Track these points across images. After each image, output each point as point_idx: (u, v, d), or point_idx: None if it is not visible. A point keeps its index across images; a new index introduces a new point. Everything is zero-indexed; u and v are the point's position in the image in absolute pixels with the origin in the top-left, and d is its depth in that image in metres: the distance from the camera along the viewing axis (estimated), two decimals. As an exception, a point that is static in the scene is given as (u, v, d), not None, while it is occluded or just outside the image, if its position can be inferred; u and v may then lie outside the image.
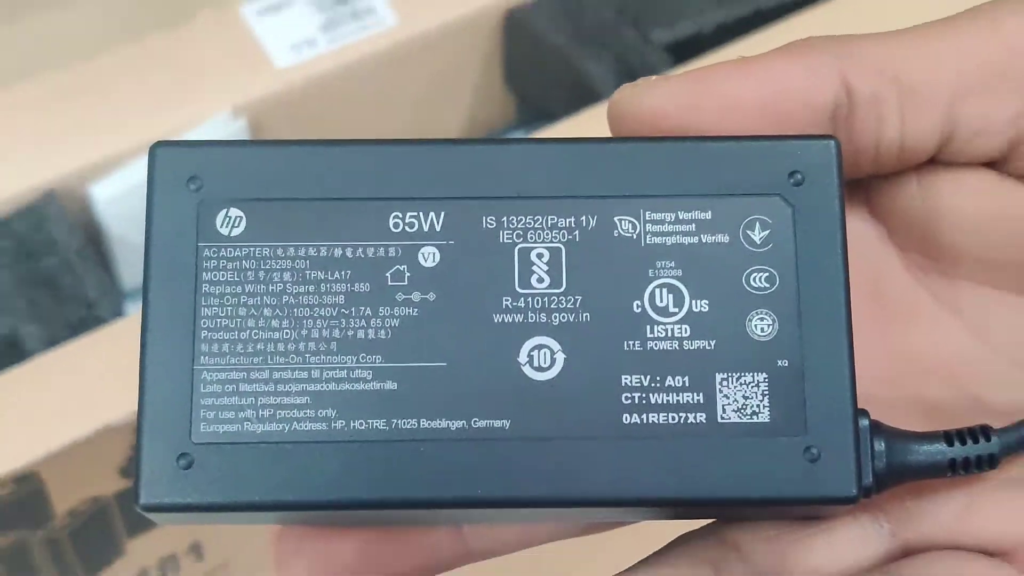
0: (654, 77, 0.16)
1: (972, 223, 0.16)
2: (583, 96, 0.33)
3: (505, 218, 0.15)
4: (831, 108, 0.15)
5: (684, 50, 0.34)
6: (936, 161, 0.16)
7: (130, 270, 0.33)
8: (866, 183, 0.17)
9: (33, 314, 0.30)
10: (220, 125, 0.31)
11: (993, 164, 0.16)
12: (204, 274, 0.15)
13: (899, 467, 0.15)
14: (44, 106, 0.31)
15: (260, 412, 0.14)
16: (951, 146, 0.16)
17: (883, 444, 0.15)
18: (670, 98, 0.15)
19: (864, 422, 0.15)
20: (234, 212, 0.14)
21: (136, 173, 0.30)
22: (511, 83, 0.37)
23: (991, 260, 0.17)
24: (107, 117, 0.31)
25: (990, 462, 0.15)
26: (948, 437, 0.15)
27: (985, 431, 0.15)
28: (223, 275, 0.14)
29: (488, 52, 0.36)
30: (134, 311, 0.31)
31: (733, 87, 0.15)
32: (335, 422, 0.14)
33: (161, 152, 0.14)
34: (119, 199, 0.31)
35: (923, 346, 0.17)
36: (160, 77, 0.31)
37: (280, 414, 0.14)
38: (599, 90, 0.33)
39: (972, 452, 0.15)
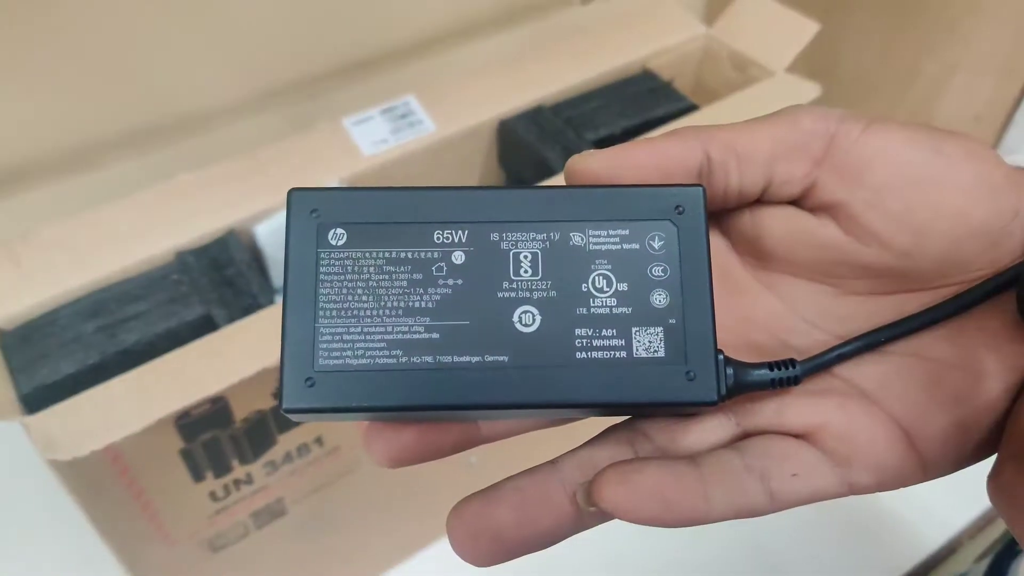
0: (592, 151, 0.20)
1: (780, 237, 0.21)
2: (544, 172, 0.42)
3: (505, 233, 0.19)
4: (697, 168, 0.20)
5: (604, 144, 0.36)
6: (760, 200, 0.21)
7: (279, 275, 0.40)
8: (719, 214, 0.22)
9: (221, 302, 0.36)
10: None
11: (794, 202, 0.21)
12: (321, 268, 0.19)
13: (740, 384, 0.20)
14: (228, 181, 0.39)
15: (355, 352, 0.19)
16: (769, 190, 0.21)
17: (731, 370, 0.19)
18: (601, 162, 0.20)
19: (720, 357, 0.19)
20: (339, 231, 0.19)
21: (280, 218, 0.39)
22: (502, 164, 0.46)
23: (792, 259, 0.21)
24: (264, 186, 0.39)
25: (795, 381, 0.20)
26: (769, 365, 0.20)
27: (791, 362, 0.20)
28: (332, 269, 0.19)
29: (488, 145, 0.45)
30: (279, 300, 0.37)
31: (639, 155, 0.20)
32: (401, 358, 0.19)
33: (295, 194, 0.19)
34: (272, 233, 0.39)
35: (752, 311, 0.22)
36: (296, 161, 0.40)
37: (367, 354, 0.19)
38: (553, 168, 0.41)
39: (784, 375, 0.20)
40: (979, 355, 0.20)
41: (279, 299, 0.37)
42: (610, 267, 0.19)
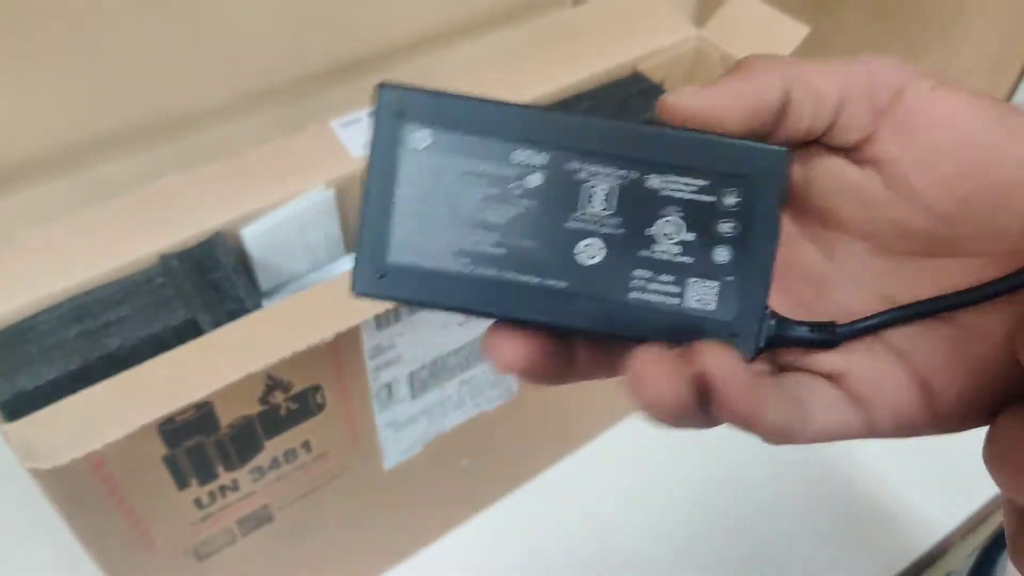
0: (686, 88, 0.20)
1: (826, 190, 0.21)
2: None
3: (584, 164, 0.20)
4: (777, 106, 0.20)
5: None
6: (815, 142, 0.21)
7: (266, 279, 0.40)
8: None
9: (206, 307, 0.35)
10: (316, 193, 0.39)
11: (846, 152, 0.21)
12: (401, 168, 0.19)
13: (779, 339, 0.21)
14: (214, 183, 0.39)
15: (425, 253, 0.20)
16: (828, 134, 0.21)
17: (773, 322, 0.20)
18: (690, 104, 0.20)
19: (769, 320, 0.20)
20: (425, 132, 0.20)
21: (269, 220, 0.38)
22: None
23: (836, 214, 0.22)
24: (251, 188, 0.39)
25: (832, 344, 0.21)
26: (810, 326, 0.21)
27: (832, 327, 0.21)
28: (413, 170, 0.20)
29: None
30: (267, 304, 0.36)
31: (727, 98, 0.20)
32: (467, 266, 0.20)
33: (385, 90, 0.20)
34: (258, 235, 0.38)
35: (793, 259, 0.23)
36: (284, 163, 0.39)
37: (435, 255, 0.20)
38: None
39: (822, 337, 0.21)
40: (1008, 330, 0.20)
41: (267, 303, 0.37)
42: (681, 215, 0.20)
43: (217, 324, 0.34)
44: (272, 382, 0.35)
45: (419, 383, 0.43)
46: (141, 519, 0.37)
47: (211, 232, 0.38)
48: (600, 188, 0.20)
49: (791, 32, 0.46)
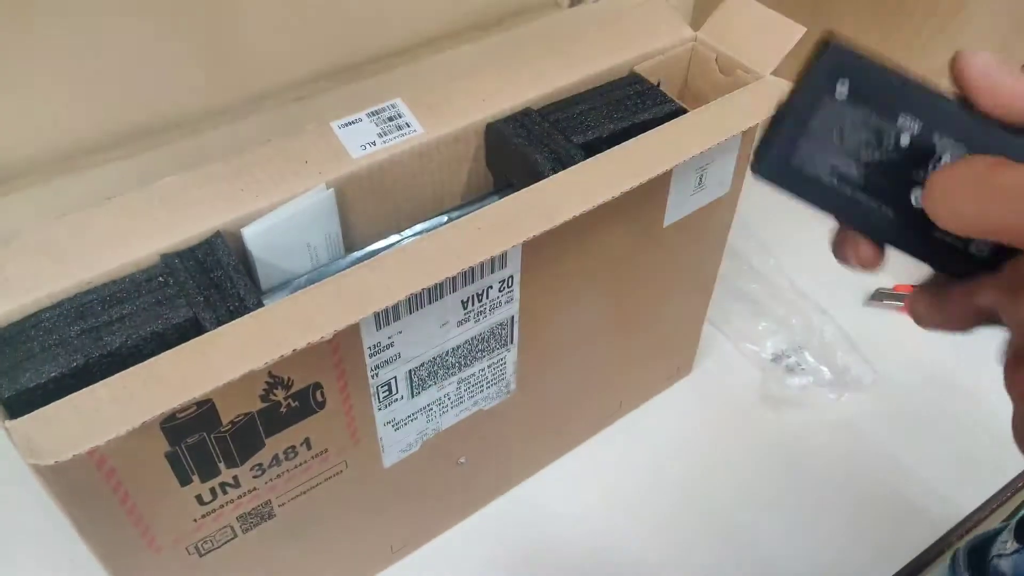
0: (977, 53, 0.23)
1: None
2: (532, 175, 0.42)
3: (943, 138, 0.25)
4: None
5: (591, 149, 0.42)
6: None
7: (266, 278, 0.40)
8: None
9: (208, 306, 0.35)
10: (316, 193, 0.39)
11: None
12: (820, 107, 0.26)
13: None
14: (214, 183, 0.39)
15: (812, 165, 0.26)
16: None
17: None
18: (976, 73, 0.23)
19: None
20: (846, 87, 0.25)
21: (270, 219, 0.39)
22: (490, 165, 0.46)
23: None
24: (251, 189, 0.39)
25: None
26: None
27: None
28: (827, 111, 0.25)
29: (476, 148, 0.45)
30: (267, 303, 0.36)
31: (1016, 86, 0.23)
32: (837, 184, 0.26)
33: (833, 47, 0.25)
34: (259, 235, 0.38)
35: None
36: (283, 163, 0.39)
37: (819, 169, 0.26)
38: (542, 172, 0.41)
39: None
40: None
41: (268, 301, 0.37)
42: None
43: (219, 322, 0.35)
44: (273, 379, 0.36)
45: (418, 381, 0.43)
46: (143, 515, 0.37)
47: (211, 232, 0.38)
48: (945, 157, 0.25)
49: (788, 32, 0.46)
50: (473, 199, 0.46)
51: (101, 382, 0.31)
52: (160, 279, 0.36)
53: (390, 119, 0.42)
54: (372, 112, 0.42)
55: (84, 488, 0.33)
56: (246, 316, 0.34)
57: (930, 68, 0.66)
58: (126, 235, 0.37)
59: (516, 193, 0.40)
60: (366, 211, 0.43)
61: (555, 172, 0.41)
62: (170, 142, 0.60)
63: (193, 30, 0.56)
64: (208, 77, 0.59)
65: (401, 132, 0.42)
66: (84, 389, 0.31)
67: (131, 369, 0.32)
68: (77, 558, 0.49)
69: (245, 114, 0.62)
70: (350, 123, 0.42)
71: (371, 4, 0.64)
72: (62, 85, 0.55)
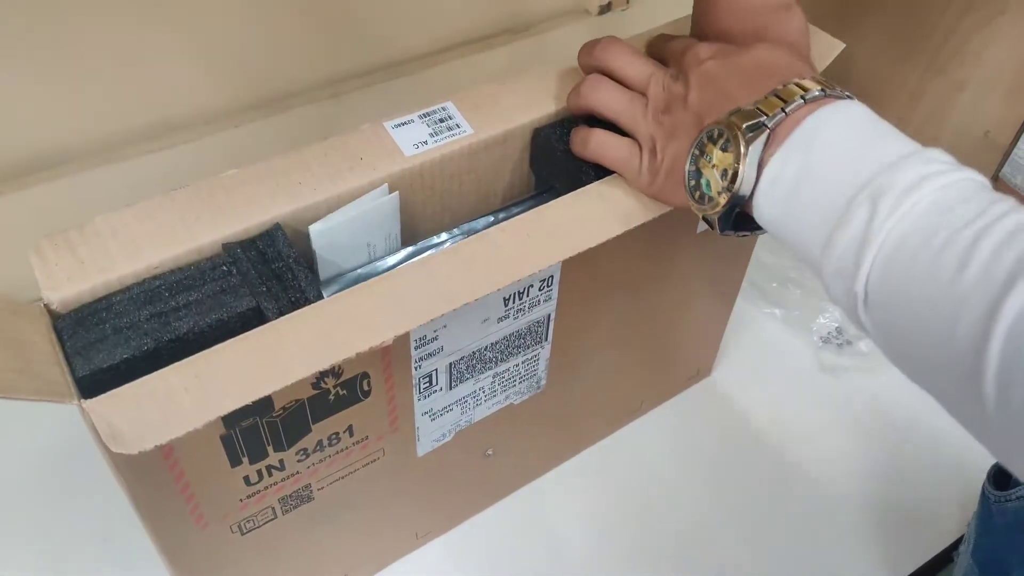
0: None
1: None
2: (575, 181, 0.43)
3: None
4: None
5: None
6: None
7: (325, 270, 0.41)
8: None
9: (270, 296, 0.37)
10: (381, 194, 0.41)
11: None
12: None
13: None
14: (274, 176, 0.40)
15: None
16: None
17: None
18: None
19: None
20: None
21: (337, 217, 0.40)
22: (534, 168, 0.47)
23: None
24: (308, 183, 0.40)
25: None
26: None
27: None
28: None
29: (522, 150, 0.46)
30: (326, 294, 0.38)
31: None
32: None
33: None
34: (326, 232, 0.40)
35: None
36: (341, 161, 0.41)
37: None
38: (585, 179, 0.42)
39: None
40: None
41: (327, 293, 0.39)
42: None
43: (280, 312, 0.36)
44: (326, 369, 0.36)
45: (456, 374, 0.45)
46: (195, 493, 0.38)
47: (271, 223, 0.39)
48: None
49: (828, 47, 0.47)
50: (516, 200, 0.47)
51: (171, 367, 0.33)
52: (224, 268, 0.37)
53: (441, 120, 0.44)
54: (424, 114, 0.44)
55: (147, 467, 0.35)
56: (308, 310, 0.35)
57: (951, 83, 0.67)
58: (190, 224, 0.38)
59: (562, 199, 0.41)
60: (415, 207, 0.44)
61: (598, 179, 0.43)
62: (211, 134, 0.61)
63: (223, 34, 0.57)
64: (232, 77, 0.60)
65: (452, 133, 0.43)
66: (155, 373, 0.33)
67: (200, 355, 0.33)
68: (59, 560, 0.50)
69: (284, 108, 0.64)
70: (403, 123, 0.43)
71: (406, 5, 0.66)
72: (102, 82, 0.56)
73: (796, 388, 0.65)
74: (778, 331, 0.69)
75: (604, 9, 0.74)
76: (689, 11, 0.47)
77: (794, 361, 0.67)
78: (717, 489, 0.59)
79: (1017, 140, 0.65)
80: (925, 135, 0.71)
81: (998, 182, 0.69)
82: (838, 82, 0.37)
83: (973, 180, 0.31)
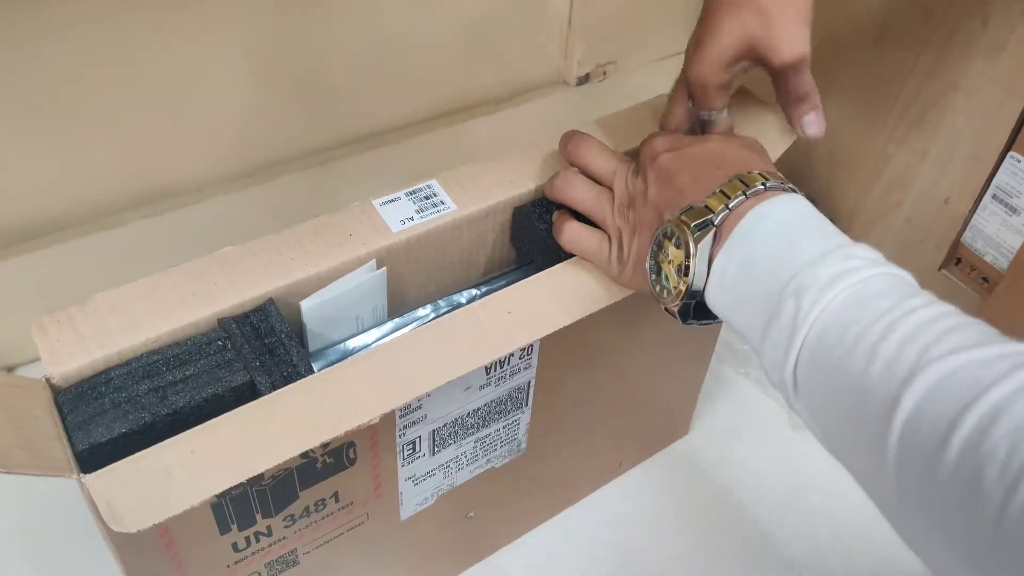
0: None
1: None
2: (554, 258, 0.45)
3: None
4: None
5: None
6: None
7: (314, 342, 0.43)
8: None
9: (263, 370, 0.38)
10: (369, 272, 0.42)
11: None
12: None
13: None
14: (267, 252, 0.42)
15: None
16: None
17: None
18: None
19: None
20: None
21: (326, 293, 0.41)
22: (514, 243, 0.49)
23: None
24: (300, 259, 0.42)
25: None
26: None
27: None
28: None
29: (503, 225, 0.48)
30: (316, 365, 0.40)
31: None
32: None
33: None
34: (316, 307, 0.41)
35: None
36: (330, 236, 0.42)
37: None
38: (562, 256, 0.44)
39: None
40: None
41: (316, 366, 0.41)
42: None
43: (273, 387, 0.37)
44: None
45: (439, 440, 0.46)
46: (183, 560, 0.39)
47: (264, 298, 0.41)
48: None
49: (785, 133, 0.50)
50: (498, 273, 0.49)
51: (167, 443, 0.34)
52: (219, 342, 0.38)
53: (426, 197, 0.46)
54: (410, 191, 0.46)
55: (145, 544, 0.36)
56: (299, 385, 0.37)
57: (912, 152, 0.70)
58: (187, 299, 0.40)
59: (540, 276, 0.43)
60: (402, 279, 0.46)
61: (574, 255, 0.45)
62: (199, 201, 0.63)
63: (205, 106, 0.59)
64: (224, 145, 0.62)
65: (437, 209, 0.46)
66: (152, 449, 0.34)
67: (196, 431, 0.35)
68: None
69: (275, 175, 0.66)
70: (390, 201, 0.45)
71: (390, 78, 0.69)
72: (98, 152, 0.58)
73: (770, 447, 0.67)
74: (752, 391, 0.70)
75: (582, 80, 0.77)
76: (665, 90, 0.49)
77: (768, 420, 0.68)
78: (694, 544, 0.60)
79: (976, 207, 0.68)
80: (891, 200, 0.74)
81: (959, 247, 0.71)
82: (809, 150, 0.38)
83: (892, 274, 0.32)
